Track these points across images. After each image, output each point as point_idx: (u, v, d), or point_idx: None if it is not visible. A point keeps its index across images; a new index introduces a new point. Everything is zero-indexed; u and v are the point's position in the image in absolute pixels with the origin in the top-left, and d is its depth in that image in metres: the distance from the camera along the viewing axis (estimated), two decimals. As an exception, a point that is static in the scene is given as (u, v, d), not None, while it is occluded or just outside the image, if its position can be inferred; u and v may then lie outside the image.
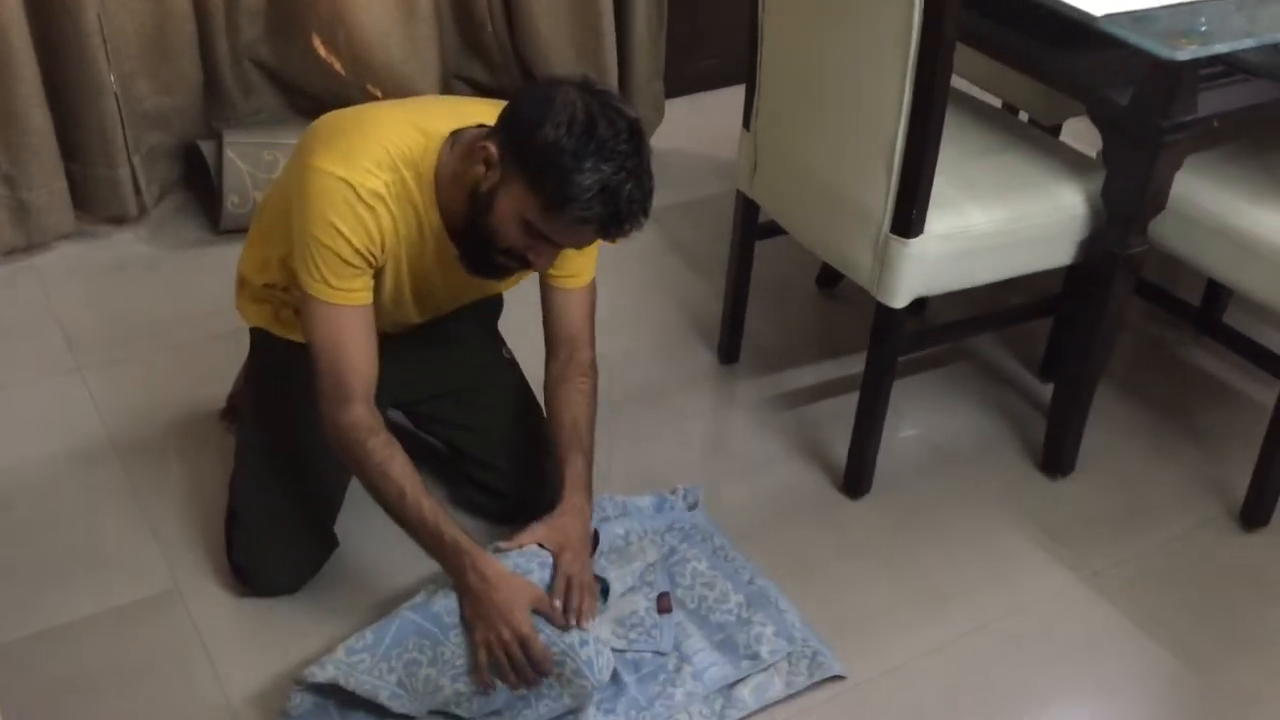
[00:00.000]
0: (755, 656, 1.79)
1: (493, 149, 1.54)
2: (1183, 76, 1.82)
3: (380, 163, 1.59)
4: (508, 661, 1.58)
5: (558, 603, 1.64)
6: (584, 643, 1.63)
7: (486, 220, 1.58)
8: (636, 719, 1.69)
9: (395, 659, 1.60)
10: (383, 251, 1.63)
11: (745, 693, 1.75)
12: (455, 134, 1.63)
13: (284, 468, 1.85)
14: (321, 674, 1.58)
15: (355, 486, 1.80)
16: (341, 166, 1.57)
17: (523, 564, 1.66)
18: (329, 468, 1.81)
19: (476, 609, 1.60)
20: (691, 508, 2.05)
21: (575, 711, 1.67)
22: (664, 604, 1.84)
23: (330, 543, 1.90)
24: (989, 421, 2.35)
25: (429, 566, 1.78)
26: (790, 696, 1.77)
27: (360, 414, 1.63)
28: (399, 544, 1.80)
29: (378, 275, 1.67)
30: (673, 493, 2.06)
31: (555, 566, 1.67)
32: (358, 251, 1.60)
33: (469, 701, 1.62)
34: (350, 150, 1.59)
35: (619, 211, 1.51)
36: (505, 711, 1.65)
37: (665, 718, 1.70)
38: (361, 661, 1.59)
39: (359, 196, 1.57)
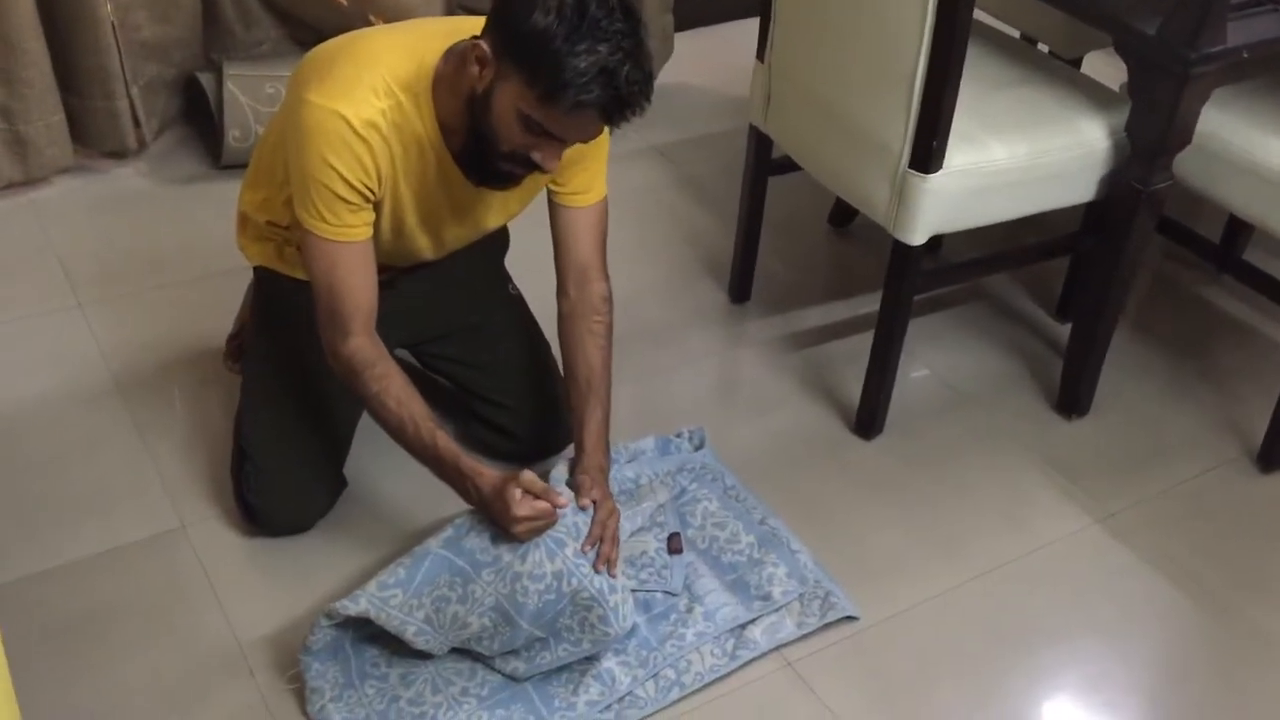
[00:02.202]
0: (767, 597, 1.78)
1: (484, 46, 1.50)
2: (1212, 6, 1.77)
3: (376, 89, 1.55)
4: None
5: (589, 549, 1.62)
6: (612, 589, 1.62)
7: (486, 122, 1.53)
8: (647, 659, 1.68)
9: (425, 595, 1.58)
10: (380, 184, 1.60)
11: (757, 633, 1.74)
12: (449, 50, 1.59)
13: (292, 407, 1.82)
14: (354, 607, 1.57)
15: (365, 426, 1.78)
16: (335, 99, 1.53)
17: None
18: (337, 406, 1.79)
19: (495, 521, 1.60)
20: (697, 448, 2.03)
21: (590, 657, 1.66)
22: (675, 544, 1.83)
23: (339, 483, 1.88)
24: (1004, 362, 2.32)
25: (440, 506, 1.77)
26: (802, 637, 1.75)
27: (358, 345, 1.62)
28: (409, 484, 1.79)
29: (376, 207, 1.63)
30: (677, 435, 2.04)
31: (594, 514, 1.66)
32: (353, 187, 1.57)
33: (490, 640, 1.61)
34: (344, 81, 1.55)
35: (619, 94, 1.45)
36: (524, 652, 1.64)
37: (676, 658, 1.69)
38: (394, 597, 1.57)
39: (353, 130, 1.53)
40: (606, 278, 1.80)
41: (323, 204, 1.57)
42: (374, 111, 1.54)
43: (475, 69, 1.51)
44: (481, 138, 1.55)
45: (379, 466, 1.89)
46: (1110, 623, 1.83)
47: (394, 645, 1.63)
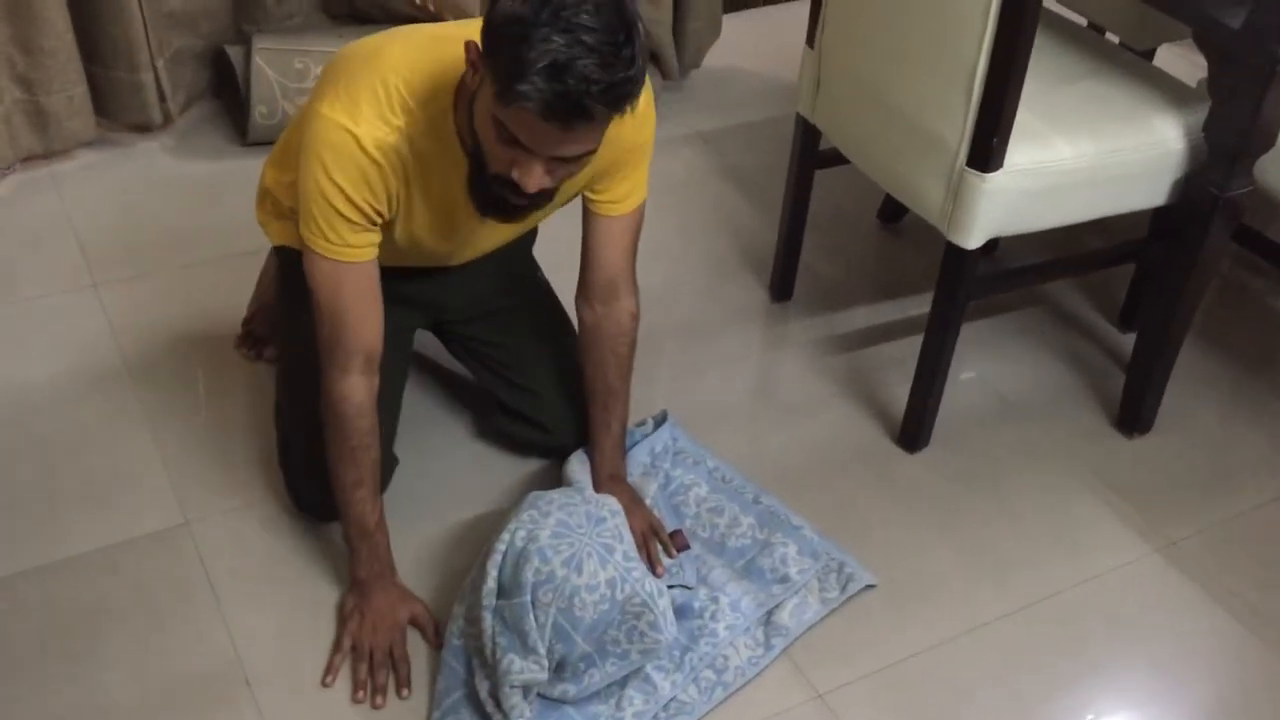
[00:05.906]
0: (785, 579, 1.74)
1: (475, 43, 1.37)
2: (1306, -2, 1.63)
3: (392, 106, 1.45)
4: (367, 660, 1.60)
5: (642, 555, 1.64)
6: (661, 593, 1.57)
7: (474, 134, 1.42)
8: (682, 661, 1.62)
9: (513, 652, 1.52)
10: (390, 206, 1.51)
11: (785, 617, 1.69)
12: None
13: None
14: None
15: (407, 405, 1.70)
16: (346, 115, 1.44)
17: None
18: (380, 382, 1.69)
19: (358, 609, 1.63)
20: (660, 424, 1.94)
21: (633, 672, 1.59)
22: (679, 541, 1.76)
23: (389, 461, 1.77)
24: (1061, 373, 2.19)
25: (481, 498, 1.72)
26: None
27: (354, 387, 1.56)
28: (447, 464, 1.70)
29: (389, 225, 1.55)
30: (640, 424, 1.94)
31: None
32: (356, 207, 1.47)
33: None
34: (359, 97, 1.45)
35: (565, 91, 1.26)
36: (569, 674, 1.56)
37: (713, 656, 1.63)
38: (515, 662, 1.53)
39: (362, 149, 1.44)
40: (635, 290, 1.73)
41: (324, 219, 1.48)
42: (387, 130, 1.45)
43: (470, 71, 1.40)
44: (474, 155, 1.44)
45: (416, 459, 1.80)
46: (1167, 660, 1.71)
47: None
